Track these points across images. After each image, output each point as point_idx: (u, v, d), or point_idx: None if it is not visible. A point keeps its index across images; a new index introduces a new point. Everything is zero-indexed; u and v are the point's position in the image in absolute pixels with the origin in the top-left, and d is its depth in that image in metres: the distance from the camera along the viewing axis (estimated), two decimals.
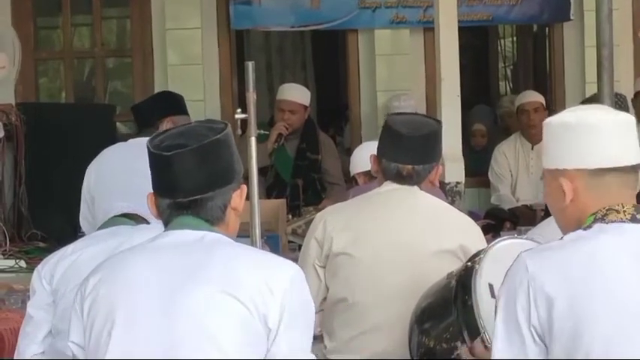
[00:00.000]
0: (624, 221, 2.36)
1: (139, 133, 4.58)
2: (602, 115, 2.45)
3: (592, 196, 2.40)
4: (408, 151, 3.57)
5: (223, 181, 2.45)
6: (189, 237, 2.42)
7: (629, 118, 2.47)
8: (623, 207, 2.38)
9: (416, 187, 3.61)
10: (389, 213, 3.60)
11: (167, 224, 2.47)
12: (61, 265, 3.29)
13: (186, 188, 2.43)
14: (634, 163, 2.42)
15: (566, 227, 2.46)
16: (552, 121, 2.47)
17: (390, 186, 3.62)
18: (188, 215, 2.44)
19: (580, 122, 2.43)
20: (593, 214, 2.39)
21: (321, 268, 3.63)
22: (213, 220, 2.45)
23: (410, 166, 3.58)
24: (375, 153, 3.69)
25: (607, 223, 2.36)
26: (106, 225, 3.44)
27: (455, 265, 3.45)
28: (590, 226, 2.38)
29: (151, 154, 2.47)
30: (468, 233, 3.62)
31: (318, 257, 3.62)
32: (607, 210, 2.37)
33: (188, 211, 2.44)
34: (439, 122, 3.75)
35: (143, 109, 4.68)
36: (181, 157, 2.41)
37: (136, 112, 4.71)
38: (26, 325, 3.34)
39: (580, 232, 2.39)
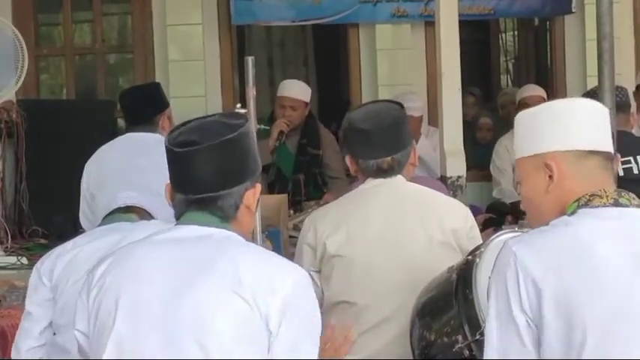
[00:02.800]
0: (607, 205, 2.39)
1: (129, 128, 4.58)
2: (583, 101, 2.54)
3: (576, 179, 2.42)
4: (381, 145, 3.54)
5: (237, 179, 2.44)
6: (199, 232, 2.42)
7: (605, 107, 2.54)
8: (606, 192, 2.41)
9: (399, 177, 3.60)
10: (377, 210, 3.57)
11: (179, 218, 2.47)
12: (61, 261, 3.29)
13: (198, 185, 2.42)
14: (611, 150, 2.48)
15: (548, 217, 2.46)
16: (531, 110, 2.53)
17: (373, 182, 3.59)
18: (199, 211, 2.43)
19: (565, 107, 2.50)
20: (577, 200, 2.41)
21: (317, 273, 3.61)
22: (225, 217, 2.44)
23: (388, 158, 3.56)
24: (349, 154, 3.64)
25: (591, 209, 2.39)
26: (106, 221, 3.43)
27: (449, 255, 3.45)
28: (574, 212, 2.40)
29: (166, 149, 2.45)
30: (456, 217, 3.61)
31: (312, 263, 3.60)
32: (590, 196, 2.40)
33: (200, 208, 2.43)
34: (400, 105, 3.70)
35: (136, 104, 4.66)
36: (194, 155, 2.40)
37: (128, 108, 4.69)
38: (24, 321, 3.34)
39: (565, 218, 2.40)
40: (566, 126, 2.45)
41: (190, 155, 2.40)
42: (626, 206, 2.40)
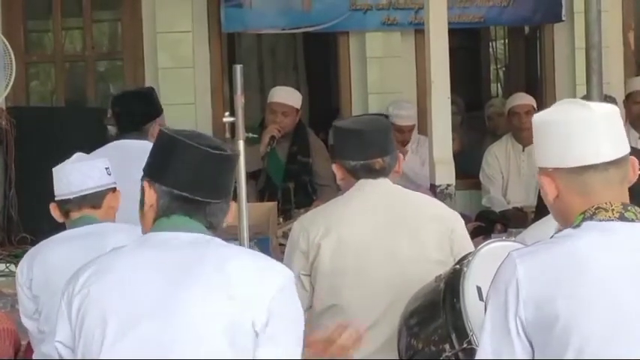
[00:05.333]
0: (613, 220, 2.35)
1: (120, 135, 4.57)
2: (576, 112, 2.40)
3: (574, 196, 2.38)
4: (373, 146, 3.62)
5: (230, 193, 2.48)
6: (182, 237, 2.41)
7: (608, 110, 2.41)
8: (612, 205, 2.36)
9: (388, 181, 3.64)
10: (367, 214, 3.60)
11: (161, 216, 2.44)
12: (36, 270, 3.29)
13: (213, 189, 2.43)
14: (613, 157, 2.37)
15: (559, 222, 2.46)
16: (534, 119, 2.46)
17: (363, 185, 3.62)
18: (187, 216, 2.42)
19: (552, 121, 2.40)
20: (582, 213, 2.37)
21: (307, 276, 3.62)
22: (213, 226, 2.45)
23: (380, 159, 3.62)
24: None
25: (596, 222, 2.35)
26: (75, 224, 3.43)
27: (439, 259, 3.48)
28: (579, 225, 2.37)
29: (189, 147, 2.41)
30: (446, 220, 3.64)
31: (303, 267, 3.61)
32: (595, 209, 2.36)
33: (194, 212, 2.42)
34: (385, 116, 3.81)
35: (130, 112, 4.65)
36: (222, 159, 2.43)
37: (121, 115, 4.68)
38: (40, 344, 3.32)
39: (569, 230, 2.37)
40: (556, 143, 2.38)
41: (219, 158, 2.42)
42: (632, 221, 2.35)
